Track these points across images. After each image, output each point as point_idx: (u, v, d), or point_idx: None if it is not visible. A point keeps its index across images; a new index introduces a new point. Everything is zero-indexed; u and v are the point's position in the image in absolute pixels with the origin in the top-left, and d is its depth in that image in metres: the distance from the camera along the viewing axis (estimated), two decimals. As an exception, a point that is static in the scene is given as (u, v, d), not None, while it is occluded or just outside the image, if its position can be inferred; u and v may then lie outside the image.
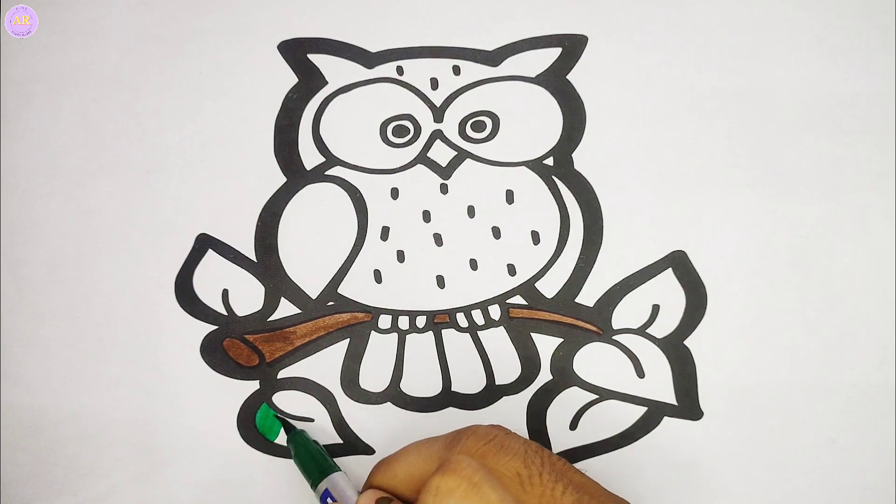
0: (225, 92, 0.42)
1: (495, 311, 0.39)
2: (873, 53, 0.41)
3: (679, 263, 0.39)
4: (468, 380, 0.39)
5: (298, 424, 0.38)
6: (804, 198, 0.39)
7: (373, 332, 0.39)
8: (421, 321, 0.39)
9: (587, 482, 0.31)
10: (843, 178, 0.39)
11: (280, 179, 0.41)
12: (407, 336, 0.39)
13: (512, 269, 0.39)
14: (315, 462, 0.36)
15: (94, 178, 0.41)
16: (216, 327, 0.39)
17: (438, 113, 0.41)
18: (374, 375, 0.39)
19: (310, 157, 0.41)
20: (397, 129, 0.41)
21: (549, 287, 0.39)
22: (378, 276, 0.40)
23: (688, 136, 0.40)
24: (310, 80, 0.42)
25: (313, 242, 0.40)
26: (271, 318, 0.39)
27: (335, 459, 0.37)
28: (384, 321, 0.39)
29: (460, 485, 0.28)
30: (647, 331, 0.39)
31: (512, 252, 0.40)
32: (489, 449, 0.30)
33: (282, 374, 0.39)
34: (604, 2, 0.42)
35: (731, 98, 0.40)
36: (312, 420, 0.39)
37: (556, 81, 0.41)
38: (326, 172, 0.41)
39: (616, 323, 0.39)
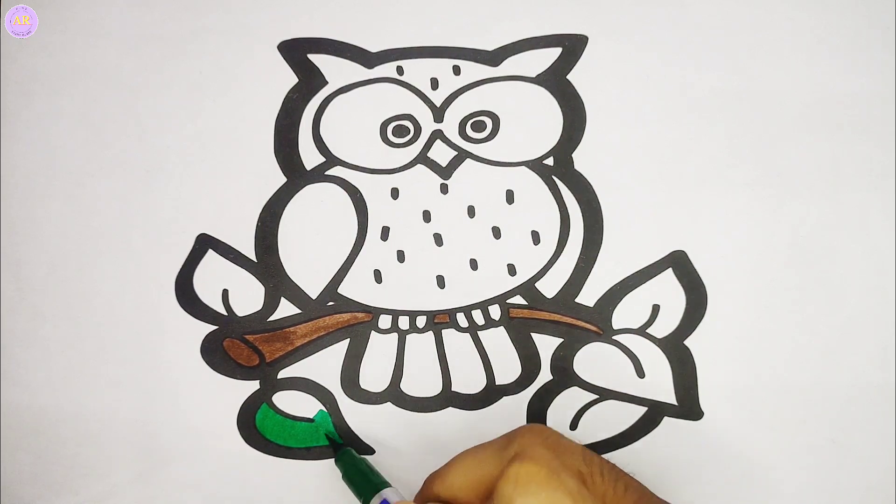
0: (225, 92, 0.42)
1: (495, 311, 0.39)
2: (873, 53, 0.40)
3: (679, 263, 0.39)
4: (468, 380, 0.39)
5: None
6: (804, 198, 0.39)
7: (373, 332, 0.39)
8: (421, 321, 0.39)
9: (639, 486, 0.31)
10: (843, 178, 0.39)
11: (280, 179, 0.41)
12: (407, 336, 0.39)
13: (512, 269, 0.39)
14: (367, 479, 0.36)
15: (94, 178, 0.41)
16: (216, 327, 0.39)
17: (438, 113, 0.41)
18: (374, 375, 0.39)
19: (310, 157, 0.41)
20: (397, 129, 0.41)
21: (550, 287, 0.39)
22: (378, 276, 0.40)
23: (688, 136, 0.40)
24: (310, 80, 0.42)
25: (313, 242, 0.40)
26: (271, 318, 0.39)
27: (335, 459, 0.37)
28: (384, 321, 0.39)
29: (540, 470, 0.28)
30: (647, 331, 0.39)
31: (512, 252, 0.40)
32: (549, 445, 0.30)
33: (282, 374, 0.39)
34: (604, 2, 0.42)
35: (731, 98, 0.40)
36: (312, 420, 0.39)
37: (556, 81, 0.41)
38: (326, 172, 0.41)
39: (616, 323, 0.39)
